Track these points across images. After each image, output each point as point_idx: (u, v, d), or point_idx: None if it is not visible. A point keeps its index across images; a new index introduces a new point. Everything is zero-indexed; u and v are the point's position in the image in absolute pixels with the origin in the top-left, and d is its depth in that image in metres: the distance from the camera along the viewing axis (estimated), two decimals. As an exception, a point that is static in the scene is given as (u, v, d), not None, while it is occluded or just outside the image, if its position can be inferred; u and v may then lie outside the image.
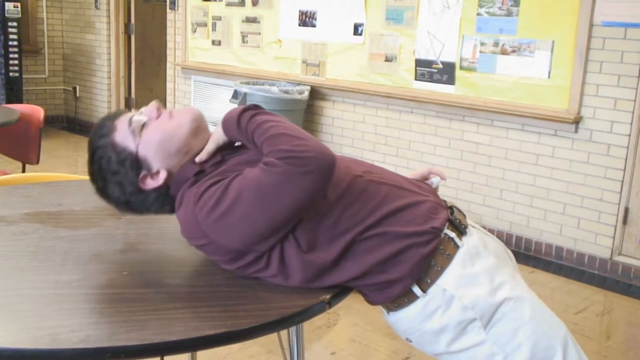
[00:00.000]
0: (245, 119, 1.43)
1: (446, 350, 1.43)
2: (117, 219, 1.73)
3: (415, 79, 4.55)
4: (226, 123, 1.48)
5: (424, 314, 1.41)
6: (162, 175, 1.46)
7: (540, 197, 4.07)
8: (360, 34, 4.82)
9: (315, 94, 5.14)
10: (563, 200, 3.97)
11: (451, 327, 1.39)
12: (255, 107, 1.47)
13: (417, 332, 1.45)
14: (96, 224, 1.72)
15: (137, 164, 1.45)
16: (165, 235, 1.68)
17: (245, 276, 1.41)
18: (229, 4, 5.76)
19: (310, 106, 5.16)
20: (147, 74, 7.24)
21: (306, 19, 5.18)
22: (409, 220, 1.40)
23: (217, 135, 1.50)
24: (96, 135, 1.48)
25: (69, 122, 7.63)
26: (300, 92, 4.93)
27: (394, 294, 1.42)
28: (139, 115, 1.48)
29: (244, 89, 4.90)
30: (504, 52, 4.10)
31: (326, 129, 5.10)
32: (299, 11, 5.21)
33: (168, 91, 6.45)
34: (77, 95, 7.47)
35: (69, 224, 1.71)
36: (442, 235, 1.41)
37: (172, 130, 1.48)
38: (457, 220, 1.46)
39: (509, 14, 4.05)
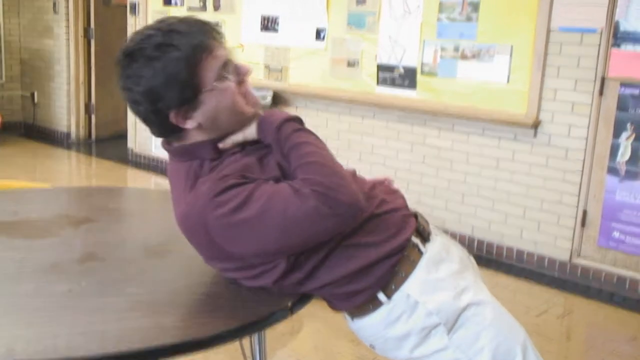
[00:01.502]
0: (287, 131, 1.40)
1: (409, 357, 1.43)
2: (76, 228, 1.70)
3: (378, 84, 4.58)
4: (264, 126, 1.42)
5: (389, 320, 1.41)
6: (190, 125, 1.38)
7: (501, 200, 4.12)
8: (323, 39, 4.83)
9: (278, 99, 5.13)
10: (523, 203, 4.03)
11: (415, 333, 1.40)
12: (299, 121, 1.45)
13: (381, 338, 1.45)
14: (54, 233, 1.69)
15: (189, 95, 1.35)
16: (125, 243, 1.66)
17: (206, 283, 1.39)
18: (190, 9, 5.71)
19: (273, 111, 5.13)
20: (108, 79, 7.13)
21: (268, 24, 5.17)
22: (382, 230, 1.41)
23: (249, 132, 1.44)
24: (190, 31, 1.36)
25: (26, 129, 7.47)
26: (263, 98, 4.91)
27: (360, 301, 1.43)
28: (231, 74, 1.39)
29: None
30: (464, 57, 4.15)
31: (289, 134, 5.06)
32: (261, 16, 5.20)
33: (129, 97, 6.36)
34: (35, 101, 7.32)
35: (26, 233, 1.67)
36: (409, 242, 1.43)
37: (238, 109, 1.41)
38: (422, 227, 1.48)
39: (469, 19, 4.10)
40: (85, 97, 7.05)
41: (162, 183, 5.74)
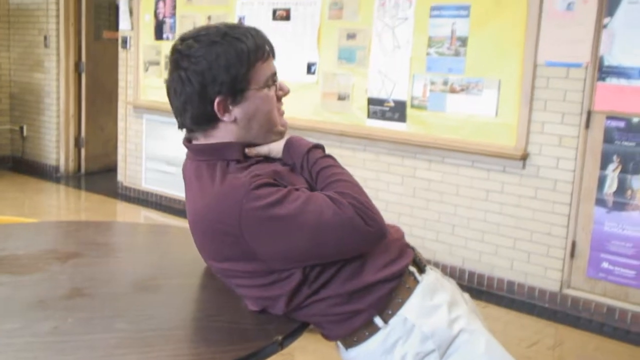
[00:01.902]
0: (316, 155, 1.50)
1: None
2: (63, 263, 1.69)
3: (368, 117, 4.61)
4: (293, 147, 1.51)
5: (385, 347, 1.42)
6: (227, 118, 1.44)
7: (491, 232, 4.13)
8: (314, 73, 4.87)
9: (269, 132, 5.14)
10: (513, 235, 4.04)
11: (409, 358, 1.40)
12: (324, 149, 1.55)
13: None
14: (40, 268, 1.67)
15: (239, 87, 1.42)
16: (113, 278, 1.64)
17: (196, 318, 1.38)
18: (181, 43, 5.75)
19: (263, 144, 5.15)
20: (98, 113, 7.16)
21: (259, 58, 5.20)
22: (386, 254, 1.46)
23: (275, 148, 1.51)
24: (256, 34, 1.46)
25: (15, 163, 7.45)
26: (254, 131, 4.92)
27: (355, 325, 1.43)
28: (281, 87, 1.52)
29: (196, 127, 4.87)
30: (453, 91, 4.20)
31: (280, 166, 5.07)
32: (252, 50, 5.24)
33: (119, 130, 6.38)
34: (24, 134, 7.31)
35: (12, 269, 1.66)
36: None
37: (272, 120, 1.50)
38: (418, 259, 1.53)
39: (457, 54, 4.15)
40: (75, 131, 7.05)
41: (152, 217, 5.72)
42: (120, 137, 6.37)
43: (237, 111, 1.45)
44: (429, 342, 1.39)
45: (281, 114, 1.54)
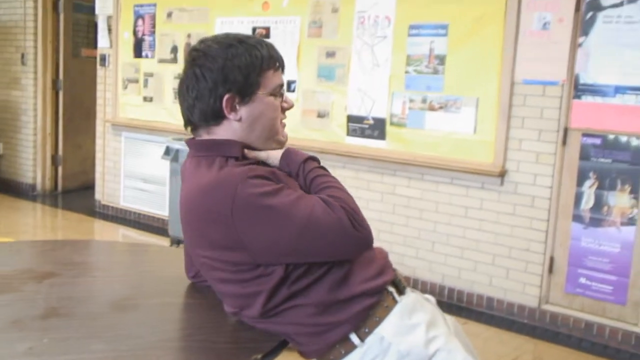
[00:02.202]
0: (311, 165, 1.56)
1: None
2: (39, 283, 1.66)
3: (347, 135, 4.62)
4: (291, 156, 1.57)
5: None
6: (232, 117, 1.51)
7: (470, 248, 4.15)
8: (293, 91, 4.88)
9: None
10: (492, 251, 4.06)
11: None
12: (319, 162, 1.62)
13: None
14: (15, 288, 1.65)
15: (249, 88, 1.50)
16: (90, 298, 1.62)
17: (174, 337, 1.36)
18: (161, 61, 5.75)
19: (243, 162, 5.14)
20: (76, 131, 7.10)
21: (238, 76, 5.21)
22: (367, 268, 1.48)
23: (273, 156, 1.57)
24: (272, 47, 1.55)
25: (-9, 181, 7.36)
26: (233, 148, 4.91)
27: (331, 340, 1.43)
28: (286, 100, 1.59)
29: (176, 145, 4.85)
30: (431, 109, 4.23)
31: (259, 184, 5.06)
32: (231, 68, 5.25)
33: (97, 148, 6.33)
34: (1, 152, 7.23)
35: (-13, 288, 1.63)
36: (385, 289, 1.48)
37: (274, 127, 1.57)
38: (399, 280, 1.54)
39: (436, 72, 4.19)
40: (52, 149, 6.98)
41: (130, 235, 5.66)
42: (99, 154, 6.32)
43: (243, 111, 1.51)
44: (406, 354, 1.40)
45: (283, 125, 1.60)
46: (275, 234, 1.36)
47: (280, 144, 1.60)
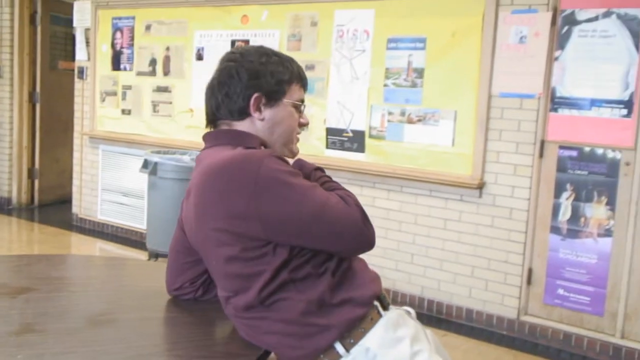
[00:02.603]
0: (320, 174, 1.67)
1: None
2: (13, 298, 1.64)
3: (327, 147, 4.63)
4: (300, 164, 1.67)
5: None
6: (257, 115, 1.60)
7: (449, 260, 4.16)
8: (272, 104, 4.88)
9: (228, 162, 5.13)
10: (471, 263, 4.08)
11: None
12: (324, 171, 1.72)
13: None
14: (-10, 303, 1.62)
15: (276, 93, 1.62)
16: (66, 313, 1.60)
17: (152, 353, 1.35)
18: (139, 74, 5.73)
19: (222, 175, 5.13)
20: (53, 144, 7.04)
21: (217, 89, 5.20)
22: (363, 273, 1.56)
23: None
24: (295, 62, 1.69)
25: (-33, 194, 7.25)
26: (212, 161, 4.89)
27: (317, 346, 1.43)
28: (304, 117, 1.71)
29: (154, 158, 4.83)
30: (410, 121, 4.26)
31: (239, 197, 5.05)
32: (210, 81, 5.24)
33: (75, 161, 6.27)
34: (-23, 165, 7.13)
35: (-40, 304, 1.60)
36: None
37: (291, 137, 1.68)
38: (383, 296, 1.57)
39: (414, 85, 4.22)
40: (29, 162, 6.90)
41: (108, 249, 5.61)
42: (76, 168, 6.26)
43: (267, 112, 1.61)
44: None
45: (297, 139, 1.71)
46: (292, 210, 1.43)
47: (293, 154, 1.69)
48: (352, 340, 1.44)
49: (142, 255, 5.27)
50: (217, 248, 1.49)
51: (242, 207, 1.42)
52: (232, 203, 1.43)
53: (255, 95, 1.59)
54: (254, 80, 1.59)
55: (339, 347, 1.43)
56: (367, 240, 1.55)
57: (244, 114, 1.60)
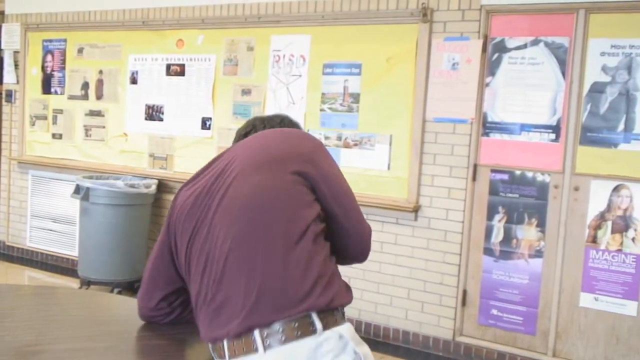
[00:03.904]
0: None
1: None
2: None
3: (264, 172, 4.61)
4: None
5: (317, 354, 1.41)
6: None
7: (386, 283, 4.20)
8: (209, 128, 4.85)
9: (164, 187, 5.05)
10: (407, 285, 4.12)
11: None
12: None
13: None
14: None
15: None
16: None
17: None
18: (71, 97, 5.60)
19: (157, 200, 5.05)
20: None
21: (153, 113, 5.14)
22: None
23: None
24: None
25: None
26: (147, 186, 4.82)
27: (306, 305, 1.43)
28: None
29: (86, 183, 4.71)
30: (347, 146, 4.30)
31: (174, 222, 4.97)
32: (146, 105, 5.18)
33: (2, 187, 6.05)
34: None
35: None
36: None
37: None
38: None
39: (350, 110, 4.27)
40: (-47, 188, 6.61)
41: (37, 277, 5.41)
42: (3, 194, 6.04)
43: None
44: (361, 359, 1.42)
45: None
46: (338, 174, 1.64)
47: None
48: (326, 324, 1.43)
49: (73, 283, 5.11)
50: (295, 185, 1.54)
51: (298, 166, 1.55)
52: (303, 147, 1.59)
53: None
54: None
55: (316, 321, 1.42)
56: (367, 249, 1.76)
57: None
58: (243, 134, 1.83)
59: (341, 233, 1.65)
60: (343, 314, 1.52)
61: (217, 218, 1.52)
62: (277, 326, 1.41)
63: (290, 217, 1.49)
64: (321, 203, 1.58)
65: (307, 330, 1.41)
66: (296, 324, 1.41)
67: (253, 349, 1.42)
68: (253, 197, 1.51)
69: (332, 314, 1.46)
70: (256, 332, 1.42)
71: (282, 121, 1.84)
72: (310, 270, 1.46)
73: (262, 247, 1.46)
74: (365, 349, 1.49)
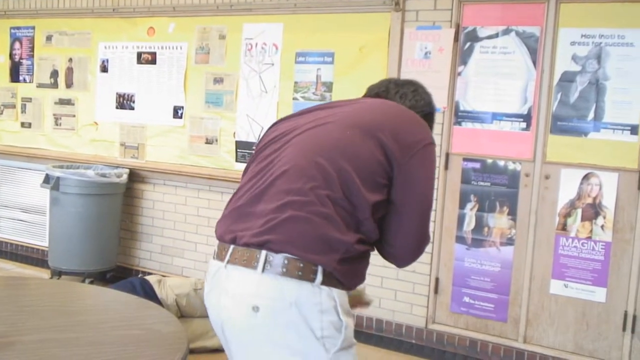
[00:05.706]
0: None
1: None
2: None
3: (237, 161, 4.60)
4: None
5: (310, 303, 1.44)
6: None
7: (360, 272, 4.21)
8: (181, 117, 4.81)
9: (135, 176, 5.00)
10: (380, 274, 4.15)
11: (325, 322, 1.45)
12: None
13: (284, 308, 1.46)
14: None
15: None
16: None
17: None
18: (40, 86, 5.51)
19: (129, 189, 5.00)
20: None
21: (124, 102, 5.08)
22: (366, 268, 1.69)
23: None
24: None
25: None
26: (119, 175, 4.77)
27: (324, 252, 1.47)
28: None
29: (56, 172, 4.65)
30: (320, 135, 4.29)
31: (147, 212, 4.94)
32: (117, 94, 5.11)
33: (-30, 176, 5.94)
34: None
35: None
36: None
37: None
38: None
39: (323, 98, 4.27)
40: None
41: (6, 268, 5.33)
42: (-29, 184, 5.93)
43: None
44: (342, 328, 1.46)
45: None
46: (423, 178, 1.61)
47: None
48: (327, 281, 1.46)
49: (44, 274, 5.04)
50: (374, 149, 1.56)
51: (410, 141, 1.58)
52: (407, 134, 1.60)
53: None
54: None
55: (319, 273, 1.46)
56: (416, 255, 1.79)
57: None
58: (374, 93, 1.94)
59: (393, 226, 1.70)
60: (343, 288, 1.54)
61: (295, 140, 1.62)
62: (283, 259, 1.46)
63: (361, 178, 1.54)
64: (389, 192, 1.61)
65: (308, 276, 1.46)
66: (301, 265, 1.45)
67: (252, 265, 1.47)
68: (338, 140, 1.58)
69: (335, 279, 1.49)
70: (264, 253, 1.47)
71: (415, 91, 1.86)
72: (345, 235, 1.50)
73: (318, 185, 1.51)
74: (350, 321, 1.52)
